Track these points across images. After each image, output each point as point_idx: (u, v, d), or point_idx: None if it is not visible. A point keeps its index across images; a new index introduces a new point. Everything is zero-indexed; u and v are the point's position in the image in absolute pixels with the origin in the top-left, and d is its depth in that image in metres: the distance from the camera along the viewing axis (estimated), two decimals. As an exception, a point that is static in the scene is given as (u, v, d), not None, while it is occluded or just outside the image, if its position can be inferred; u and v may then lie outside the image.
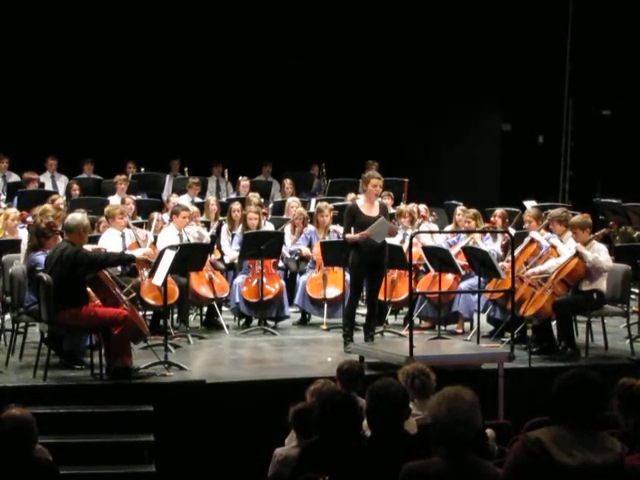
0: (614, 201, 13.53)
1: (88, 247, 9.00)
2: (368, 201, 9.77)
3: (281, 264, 11.79)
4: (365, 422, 4.94)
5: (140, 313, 9.27)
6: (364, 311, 10.21)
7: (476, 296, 10.28)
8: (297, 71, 17.12)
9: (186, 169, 15.82)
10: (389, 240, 10.99)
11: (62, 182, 15.35)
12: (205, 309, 11.19)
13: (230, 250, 11.63)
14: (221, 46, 17.07)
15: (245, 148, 16.51)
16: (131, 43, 16.67)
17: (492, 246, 10.71)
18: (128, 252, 10.18)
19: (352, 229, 9.73)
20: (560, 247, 9.71)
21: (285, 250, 11.73)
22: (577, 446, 3.86)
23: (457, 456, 3.99)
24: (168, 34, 16.84)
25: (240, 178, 14.97)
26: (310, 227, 11.91)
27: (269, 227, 11.72)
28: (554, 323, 9.71)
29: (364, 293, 10.30)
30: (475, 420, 4.02)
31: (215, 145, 16.48)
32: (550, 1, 17.24)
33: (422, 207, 12.51)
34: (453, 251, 10.60)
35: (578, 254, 9.38)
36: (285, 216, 12.86)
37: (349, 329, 9.78)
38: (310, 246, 11.68)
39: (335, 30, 17.27)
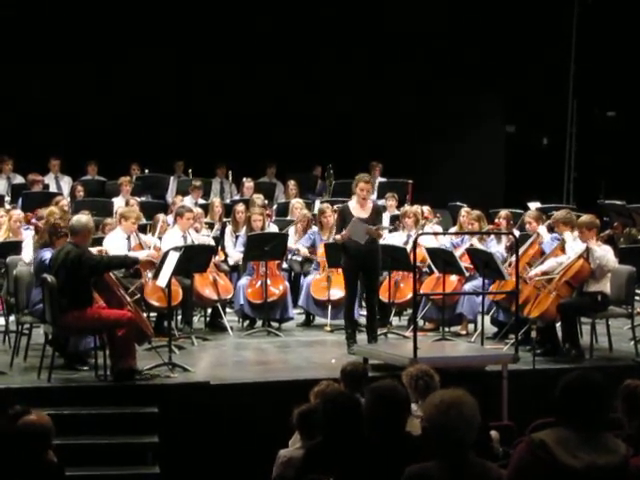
0: (618, 203, 13.51)
1: (92, 249, 9.01)
2: (359, 203, 9.80)
3: (285, 265, 11.79)
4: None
5: (144, 314, 9.27)
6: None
7: (480, 298, 10.27)
8: (299, 71, 17.12)
9: (190, 171, 15.81)
10: (392, 242, 11.00)
11: (66, 183, 15.37)
12: (209, 311, 11.18)
13: (234, 252, 11.63)
14: (222, 46, 17.06)
15: (249, 149, 16.50)
16: (131, 43, 16.65)
17: (496, 248, 10.69)
18: (132, 253, 10.21)
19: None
20: (570, 243, 9.64)
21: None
22: (581, 448, 3.85)
23: (460, 458, 3.98)
24: (168, 34, 16.84)
25: (244, 180, 14.97)
26: (314, 228, 11.92)
27: (273, 228, 11.73)
28: (558, 325, 9.70)
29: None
30: (476, 421, 4.01)
31: (219, 146, 16.48)
32: (555, 2, 17.23)
33: (425, 209, 12.50)
34: (457, 253, 10.59)
35: (588, 251, 9.34)
36: (289, 217, 12.85)
37: (351, 331, 9.77)
38: (313, 247, 11.68)
39: (335, 30, 17.26)
